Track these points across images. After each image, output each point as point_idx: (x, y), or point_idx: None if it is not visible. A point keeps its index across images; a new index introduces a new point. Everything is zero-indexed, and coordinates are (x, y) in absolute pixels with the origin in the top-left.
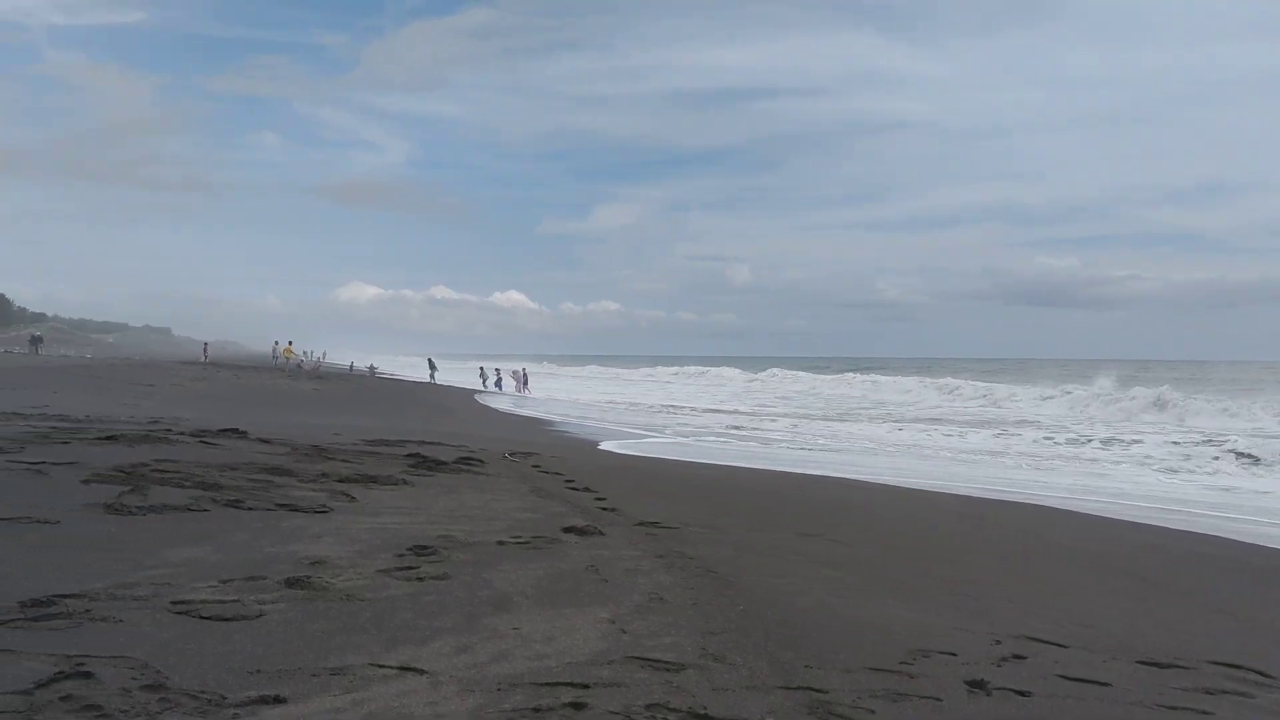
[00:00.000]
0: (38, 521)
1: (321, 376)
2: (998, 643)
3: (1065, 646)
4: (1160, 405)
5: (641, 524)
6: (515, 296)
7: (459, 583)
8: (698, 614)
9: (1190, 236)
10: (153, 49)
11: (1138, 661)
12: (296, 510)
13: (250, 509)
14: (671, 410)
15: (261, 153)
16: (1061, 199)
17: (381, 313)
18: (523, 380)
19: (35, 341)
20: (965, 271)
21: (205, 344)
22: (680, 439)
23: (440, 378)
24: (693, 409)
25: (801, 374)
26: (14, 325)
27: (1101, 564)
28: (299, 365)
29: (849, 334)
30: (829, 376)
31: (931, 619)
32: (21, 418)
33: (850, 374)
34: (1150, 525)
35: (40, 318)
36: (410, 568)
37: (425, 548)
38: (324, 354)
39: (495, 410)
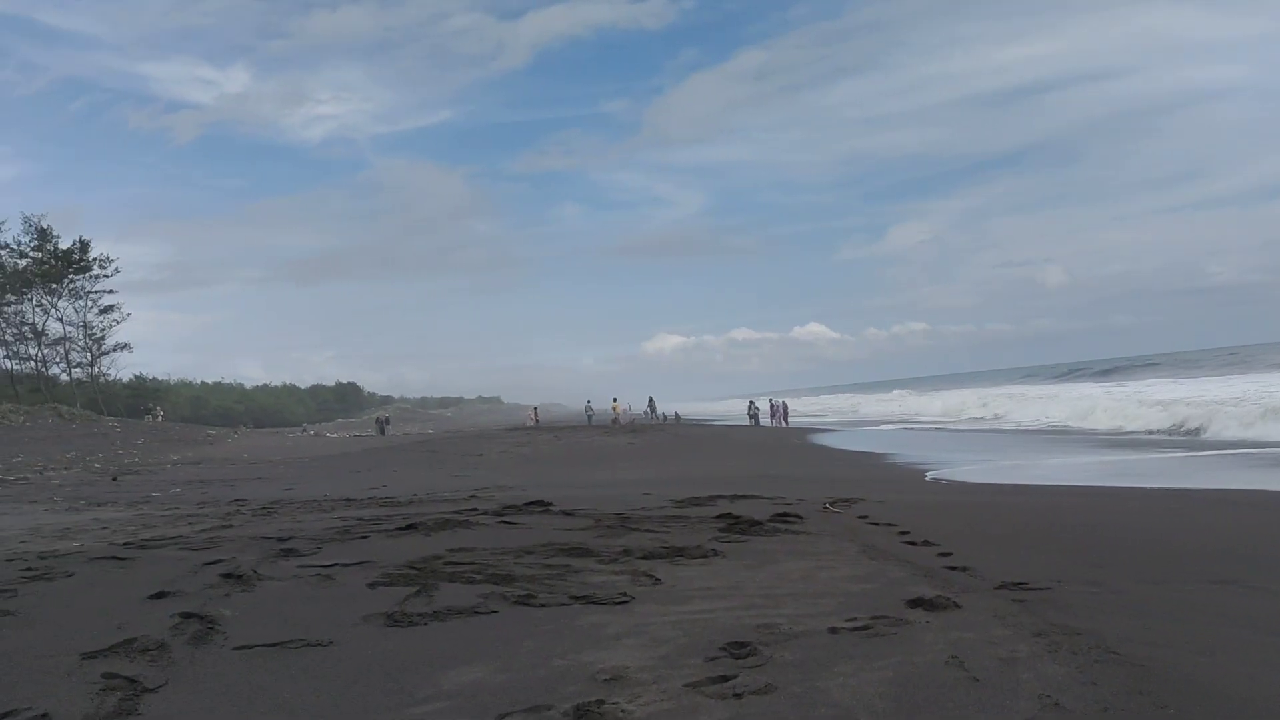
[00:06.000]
0: (308, 645)
1: (637, 430)
2: None
3: None
4: None
5: (1003, 586)
6: (816, 328)
7: (787, 697)
8: None
9: None
10: (460, 143)
11: None
12: (593, 603)
13: (542, 605)
14: None
15: (563, 223)
16: None
17: (686, 360)
18: (782, 413)
19: (381, 423)
20: None
21: (535, 408)
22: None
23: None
24: None
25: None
26: (365, 410)
27: None
28: (614, 420)
29: (1181, 325)
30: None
31: None
32: (351, 504)
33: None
34: None
35: (388, 400)
36: (726, 678)
37: (742, 645)
38: (652, 411)
39: (812, 446)
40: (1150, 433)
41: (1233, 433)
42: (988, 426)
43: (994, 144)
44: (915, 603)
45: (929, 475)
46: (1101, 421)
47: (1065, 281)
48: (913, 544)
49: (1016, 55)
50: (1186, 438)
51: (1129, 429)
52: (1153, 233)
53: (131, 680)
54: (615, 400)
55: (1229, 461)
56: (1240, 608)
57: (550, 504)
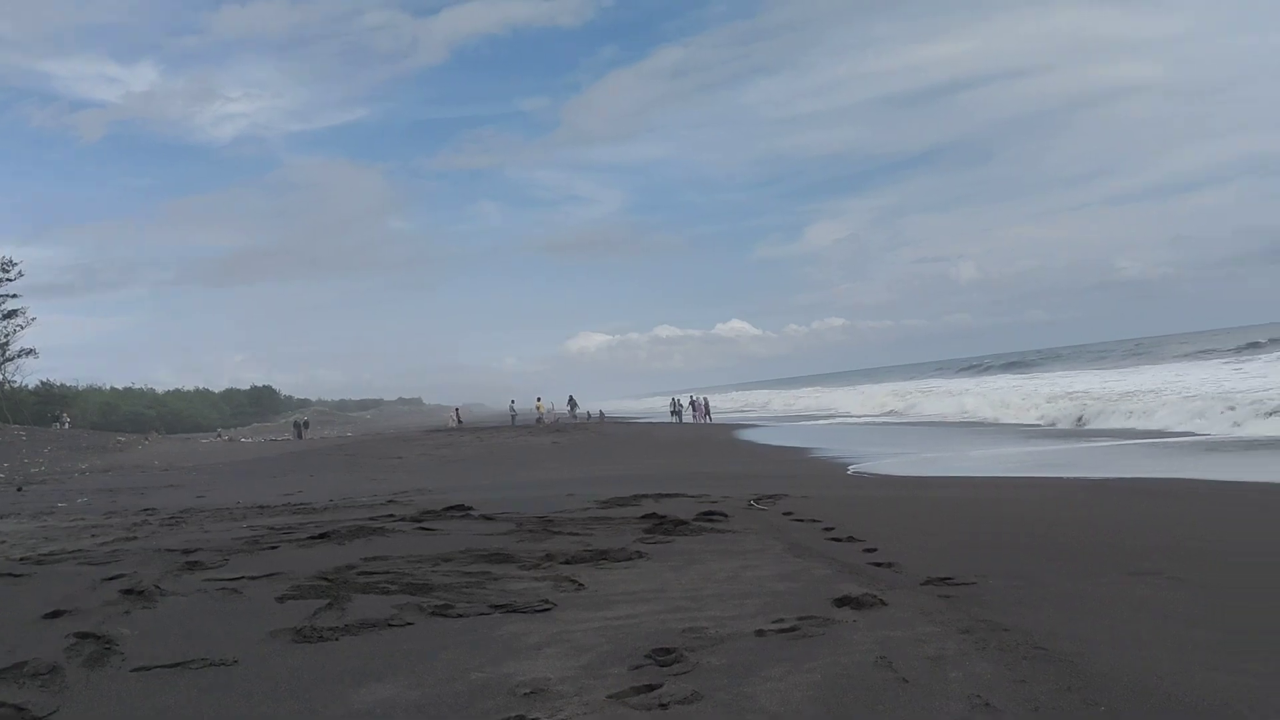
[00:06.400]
0: (211, 664)
1: (561, 429)
2: None
3: None
4: None
5: (929, 582)
6: (738, 325)
7: (714, 705)
8: None
9: None
10: (377, 140)
11: None
12: (514, 611)
13: (460, 615)
14: None
15: (482, 221)
16: None
17: (610, 358)
18: (704, 409)
19: (299, 426)
20: (1216, 237)
21: (456, 409)
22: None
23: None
24: None
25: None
26: (282, 413)
27: None
28: (538, 420)
29: (1091, 318)
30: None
31: None
32: (263, 511)
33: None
34: None
35: (305, 403)
36: (650, 686)
37: (667, 651)
38: (573, 410)
39: (736, 442)
40: (1053, 424)
41: (1131, 423)
42: (906, 420)
43: (909, 143)
44: (842, 601)
45: (851, 469)
46: (1012, 414)
47: (979, 277)
48: (838, 540)
49: (930, 55)
50: (1092, 428)
51: (1033, 421)
52: (1064, 229)
53: (19, 708)
54: (539, 400)
55: (1137, 451)
56: (1163, 599)
57: (470, 508)
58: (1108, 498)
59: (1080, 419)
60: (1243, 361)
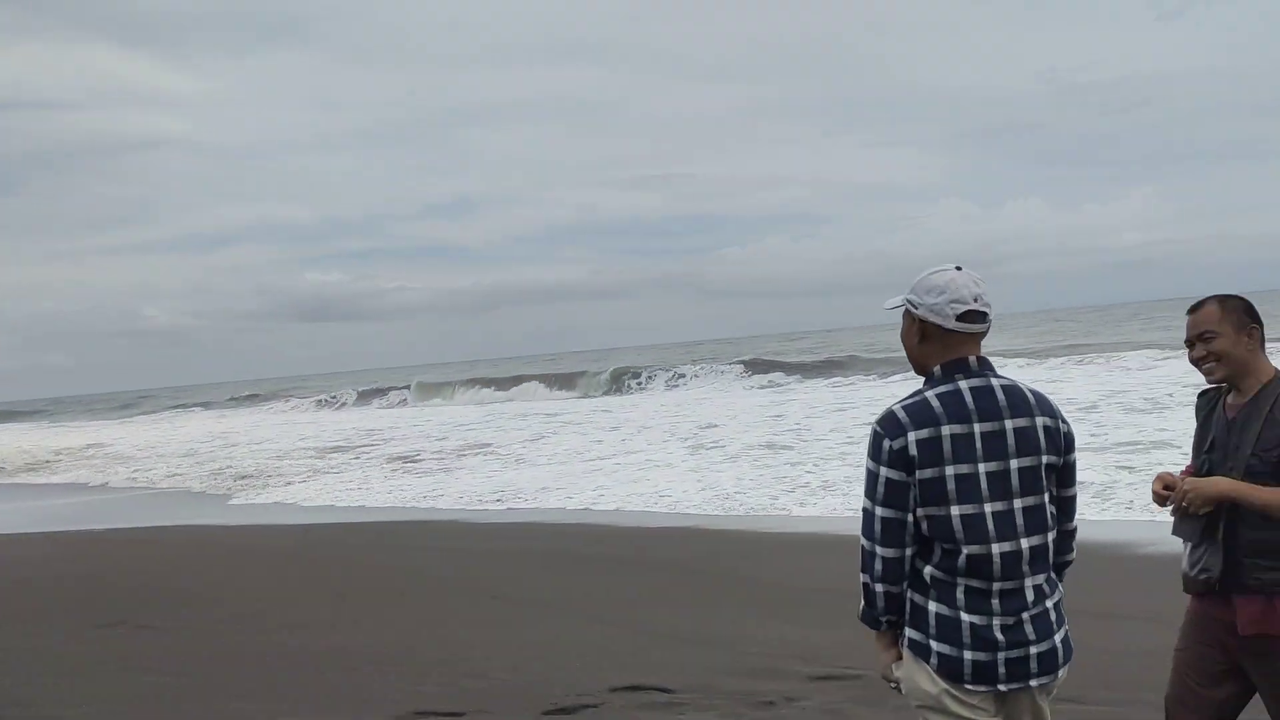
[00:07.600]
0: None
1: None
2: None
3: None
4: None
5: None
6: None
7: None
8: None
9: (449, 248)
10: None
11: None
12: None
13: None
14: None
15: None
16: (329, 216)
17: None
18: None
19: None
20: (238, 292)
21: None
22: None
23: None
24: None
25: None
26: None
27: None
28: None
29: (120, 366)
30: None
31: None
32: None
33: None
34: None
35: None
36: None
37: None
38: None
39: None
40: (75, 478)
41: (135, 472)
42: None
43: None
44: None
45: None
46: (19, 467)
47: None
48: None
49: None
50: (113, 483)
51: (46, 478)
52: (90, 272)
53: None
54: None
55: (150, 500)
56: (134, 649)
57: None
58: (104, 549)
59: (94, 469)
60: (239, 411)
